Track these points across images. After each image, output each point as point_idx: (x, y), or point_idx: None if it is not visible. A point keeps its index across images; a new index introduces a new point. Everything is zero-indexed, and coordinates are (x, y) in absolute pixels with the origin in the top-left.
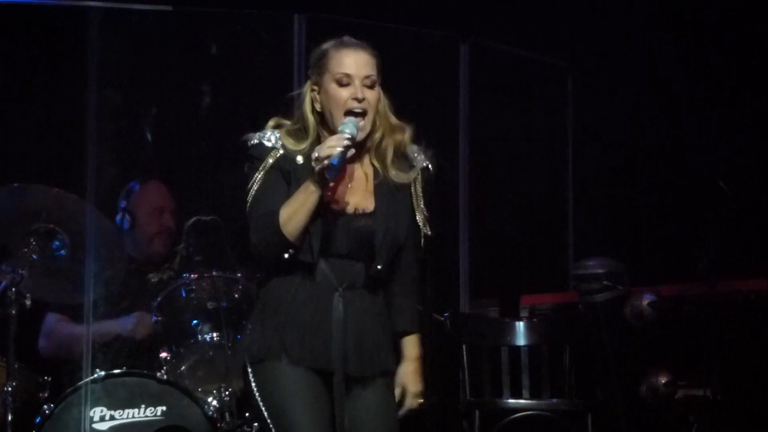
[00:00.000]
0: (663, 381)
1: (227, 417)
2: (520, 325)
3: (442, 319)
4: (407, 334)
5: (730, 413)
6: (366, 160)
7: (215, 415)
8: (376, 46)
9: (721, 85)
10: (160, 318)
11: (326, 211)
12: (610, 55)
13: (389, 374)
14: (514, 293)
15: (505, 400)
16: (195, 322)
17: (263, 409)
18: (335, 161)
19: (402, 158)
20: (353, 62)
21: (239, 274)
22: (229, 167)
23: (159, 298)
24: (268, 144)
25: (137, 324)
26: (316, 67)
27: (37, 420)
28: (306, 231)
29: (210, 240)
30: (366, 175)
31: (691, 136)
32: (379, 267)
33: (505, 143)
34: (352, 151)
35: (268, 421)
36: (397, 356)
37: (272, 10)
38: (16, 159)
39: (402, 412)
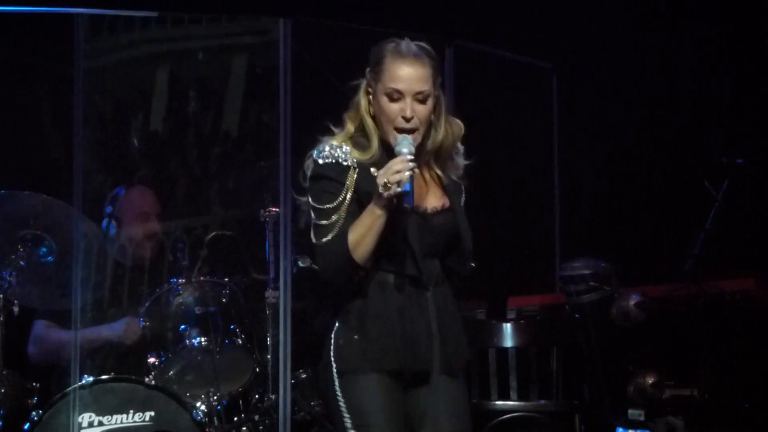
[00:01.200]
0: (650, 381)
1: (216, 422)
2: (508, 327)
3: None
4: None
5: (717, 413)
6: (428, 163)
7: (204, 420)
8: (360, 49)
9: (707, 86)
10: (148, 323)
11: (414, 218)
12: (594, 56)
13: (461, 377)
14: (501, 295)
15: (493, 402)
16: (183, 327)
17: (346, 416)
18: (407, 187)
19: (455, 159)
20: (406, 77)
21: (227, 279)
22: (215, 173)
23: (147, 304)
24: (345, 163)
25: (126, 329)
26: (372, 71)
27: (26, 426)
28: (400, 240)
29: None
30: (432, 177)
31: (676, 137)
32: (473, 264)
33: (490, 145)
34: (416, 168)
35: (349, 426)
36: None
37: (258, 14)
38: (3, 165)
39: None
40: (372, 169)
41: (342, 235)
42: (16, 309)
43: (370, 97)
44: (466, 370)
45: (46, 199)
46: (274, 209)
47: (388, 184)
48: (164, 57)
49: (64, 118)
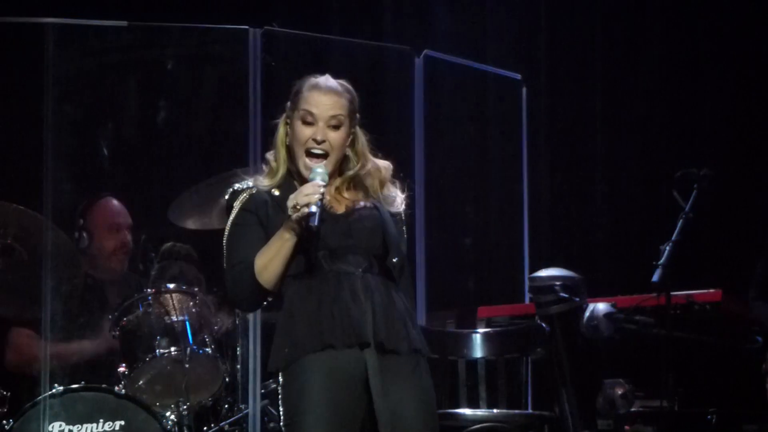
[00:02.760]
0: (619, 392)
1: (185, 431)
2: (477, 337)
3: None
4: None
5: (687, 424)
6: (340, 194)
7: (173, 430)
8: (331, 60)
9: (676, 96)
10: (117, 333)
11: (326, 216)
12: (563, 67)
13: (424, 358)
14: (471, 305)
15: (463, 412)
16: (153, 336)
17: (281, 409)
18: (313, 209)
19: (379, 196)
20: (319, 102)
21: (196, 288)
22: (185, 182)
23: (116, 313)
24: (239, 188)
25: (104, 344)
26: (291, 102)
27: None
28: (317, 236)
29: (180, 265)
30: (348, 192)
31: (646, 147)
32: (394, 260)
33: (460, 156)
34: (327, 197)
35: (281, 423)
36: None
37: (228, 24)
38: None
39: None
40: (273, 190)
41: (249, 261)
42: None
43: (288, 127)
44: (425, 366)
45: (17, 208)
46: None
47: (297, 206)
48: (134, 66)
49: (33, 126)
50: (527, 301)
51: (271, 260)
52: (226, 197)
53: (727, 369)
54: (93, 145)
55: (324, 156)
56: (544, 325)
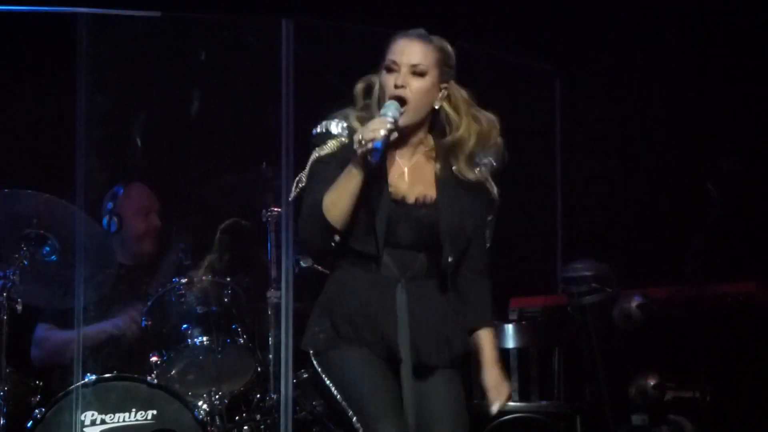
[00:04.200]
0: (652, 383)
1: (217, 421)
2: (509, 328)
3: None
4: (480, 328)
5: (719, 415)
6: (427, 151)
7: (205, 419)
8: (361, 50)
9: (709, 88)
10: (150, 323)
11: (388, 201)
12: (597, 58)
13: (460, 366)
14: (503, 296)
15: None
16: (185, 326)
17: (335, 392)
18: (378, 144)
19: (473, 153)
20: (402, 50)
21: (228, 279)
22: (218, 171)
23: (149, 303)
24: (334, 131)
25: (128, 322)
26: (382, 59)
27: (29, 424)
28: (370, 221)
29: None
30: (429, 166)
31: (679, 139)
32: (450, 259)
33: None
34: (395, 134)
35: (340, 400)
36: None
37: (260, 15)
38: (6, 165)
39: (494, 409)
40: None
41: (320, 198)
42: (19, 308)
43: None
44: (458, 374)
45: (49, 198)
46: (276, 209)
47: (362, 141)
48: (167, 56)
49: (66, 117)
50: (560, 291)
51: (339, 196)
52: (313, 134)
53: (760, 360)
54: (125, 135)
55: (405, 103)
56: (576, 315)
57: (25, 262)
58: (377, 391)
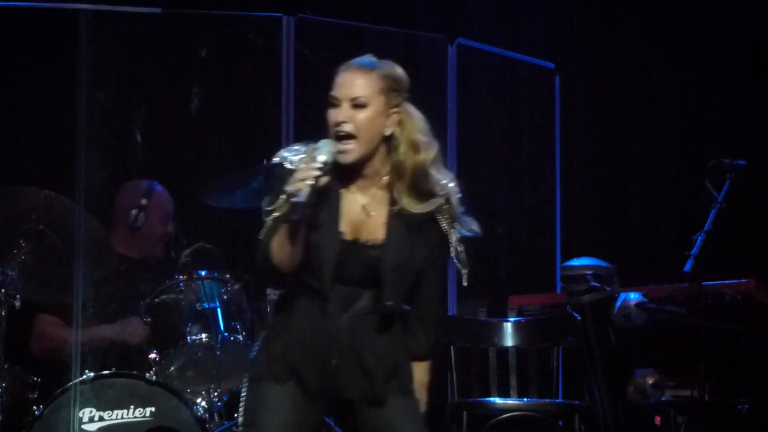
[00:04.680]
0: (651, 382)
1: (216, 418)
2: (508, 326)
3: None
4: (415, 358)
5: (717, 414)
6: (384, 183)
7: (204, 416)
8: (363, 48)
9: (708, 86)
10: (149, 319)
11: (337, 242)
12: (597, 55)
13: (412, 393)
14: (502, 294)
15: (493, 401)
16: (184, 323)
17: (241, 416)
18: (300, 197)
19: (426, 184)
20: (342, 83)
21: (228, 275)
22: (218, 169)
23: (148, 300)
24: (288, 166)
25: (131, 330)
26: None
27: (27, 421)
28: (319, 259)
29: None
30: (383, 200)
31: (678, 137)
32: (388, 304)
33: (492, 144)
34: (325, 179)
35: (240, 424)
36: None
37: (261, 12)
38: (6, 161)
39: None
40: (322, 179)
41: (266, 240)
42: (17, 303)
43: None
44: (411, 396)
45: (49, 194)
46: None
47: (288, 194)
48: (168, 53)
49: (67, 113)
50: (559, 290)
51: (279, 243)
52: (272, 162)
53: (759, 359)
54: (126, 132)
55: (352, 137)
56: (575, 314)
57: (24, 258)
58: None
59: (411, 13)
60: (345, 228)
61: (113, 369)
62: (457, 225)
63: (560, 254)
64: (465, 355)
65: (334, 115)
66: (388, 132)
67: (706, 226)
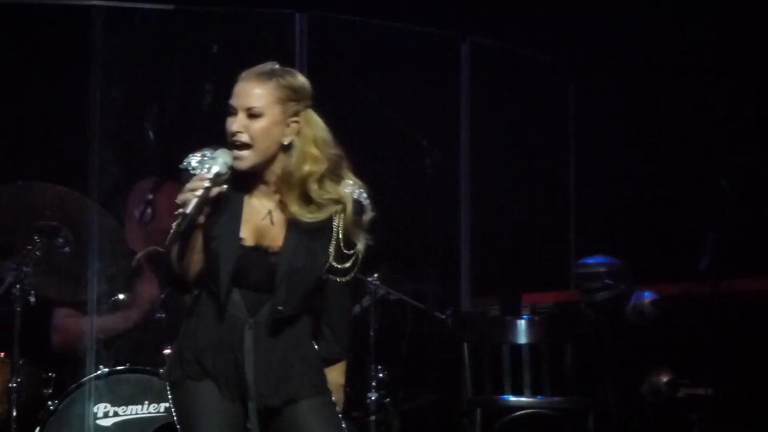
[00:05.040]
0: (665, 380)
1: None
2: (522, 324)
3: (443, 317)
4: (329, 361)
5: (732, 412)
6: (282, 191)
7: None
8: (375, 44)
9: (723, 83)
10: (163, 315)
11: (236, 249)
12: (611, 53)
13: (323, 394)
14: (516, 291)
15: (507, 398)
16: None
17: (178, 426)
18: (188, 210)
19: (323, 191)
20: (238, 93)
21: None
22: None
23: (163, 295)
24: (192, 171)
25: (139, 313)
26: None
27: (42, 416)
28: (216, 263)
29: None
30: (283, 206)
31: (692, 135)
32: (280, 308)
33: (506, 141)
34: (216, 189)
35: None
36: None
37: (274, 8)
38: (20, 157)
39: None
40: (224, 186)
41: (168, 248)
42: (32, 299)
43: None
44: (323, 399)
45: (63, 190)
46: None
47: (177, 205)
48: (180, 50)
49: (80, 109)
50: (573, 287)
51: (176, 250)
52: (181, 172)
53: None
54: (139, 128)
55: (247, 146)
56: (589, 311)
57: (39, 254)
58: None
59: (423, 10)
60: (247, 234)
61: (128, 364)
62: (355, 232)
63: (574, 252)
64: (478, 352)
65: (230, 124)
66: (286, 141)
67: (721, 224)
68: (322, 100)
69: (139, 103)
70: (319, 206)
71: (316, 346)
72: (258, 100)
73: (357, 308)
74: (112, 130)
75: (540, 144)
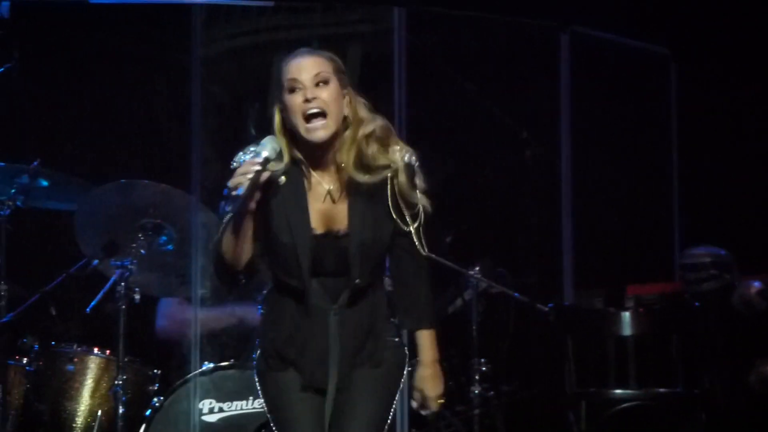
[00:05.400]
0: None
1: None
2: (626, 316)
3: (546, 310)
4: (418, 331)
5: None
6: (339, 162)
7: None
8: (475, 37)
9: None
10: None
11: (309, 236)
12: (714, 41)
13: (382, 365)
14: (620, 283)
15: (612, 391)
16: None
17: (269, 415)
18: (240, 191)
19: (376, 156)
20: (298, 67)
21: None
22: None
23: (264, 291)
24: (236, 166)
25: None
26: (276, 89)
27: (148, 413)
28: (294, 255)
29: None
30: (340, 179)
31: None
32: (357, 281)
33: (607, 132)
34: (266, 173)
35: (270, 420)
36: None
37: (373, 2)
38: (123, 155)
39: (425, 413)
40: (281, 178)
41: (219, 239)
42: (137, 297)
43: (282, 113)
44: (381, 372)
45: (166, 188)
46: None
47: (230, 188)
48: (280, 46)
49: (181, 107)
50: (677, 278)
51: (230, 240)
52: (234, 165)
53: None
54: (240, 124)
55: (322, 114)
56: (694, 302)
57: (142, 252)
58: (298, 419)
59: (522, 1)
60: (315, 222)
61: (232, 360)
62: (411, 194)
63: (678, 242)
64: (582, 344)
65: (299, 97)
66: (346, 111)
67: None
68: (422, 94)
69: (240, 100)
70: (374, 169)
71: (396, 321)
72: (322, 66)
73: (459, 302)
74: (213, 127)
75: (642, 134)
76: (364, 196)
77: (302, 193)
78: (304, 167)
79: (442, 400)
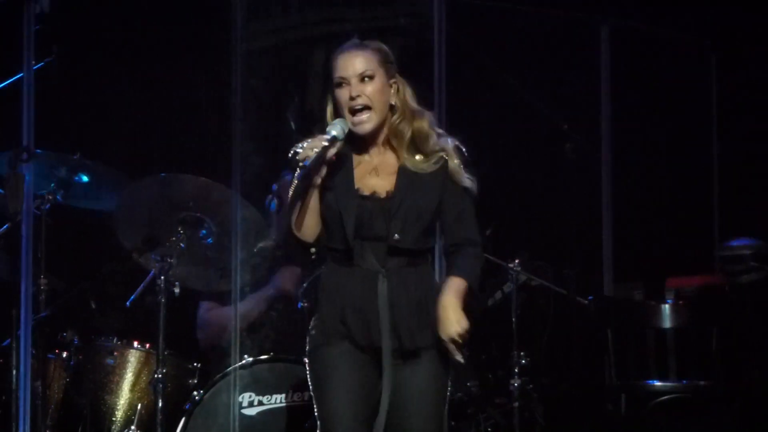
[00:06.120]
0: None
1: None
2: (666, 308)
3: (586, 303)
4: (456, 277)
5: None
6: (389, 146)
7: None
8: (515, 29)
9: None
10: (306, 304)
11: (355, 198)
12: (753, 31)
13: (440, 348)
14: (659, 276)
15: (652, 383)
16: None
17: (311, 386)
18: (307, 162)
19: (424, 145)
20: (345, 64)
21: None
22: None
23: (305, 284)
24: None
25: (283, 278)
26: (329, 79)
27: (187, 406)
28: (339, 216)
29: None
30: (391, 160)
31: None
32: (396, 236)
33: (647, 124)
34: (333, 150)
35: (312, 393)
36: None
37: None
38: (163, 149)
39: (445, 338)
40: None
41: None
42: (177, 290)
43: (334, 101)
44: (439, 355)
45: (206, 182)
46: None
47: (299, 158)
48: (320, 39)
49: (222, 102)
50: (717, 271)
51: (297, 214)
52: (291, 155)
53: None
54: (280, 119)
55: (367, 108)
56: (734, 295)
57: (182, 246)
58: (343, 392)
59: None
60: (360, 186)
61: (271, 354)
62: (461, 173)
63: (718, 234)
64: (622, 337)
65: (345, 93)
66: (393, 101)
67: None
68: (461, 86)
69: (280, 94)
70: (429, 156)
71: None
72: (367, 64)
73: (499, 295)
74: (254, 121)
75: (682, 126)
76: (412, 176)
77: (350, 166)
78: (353, 146)
79: (465, 325)
